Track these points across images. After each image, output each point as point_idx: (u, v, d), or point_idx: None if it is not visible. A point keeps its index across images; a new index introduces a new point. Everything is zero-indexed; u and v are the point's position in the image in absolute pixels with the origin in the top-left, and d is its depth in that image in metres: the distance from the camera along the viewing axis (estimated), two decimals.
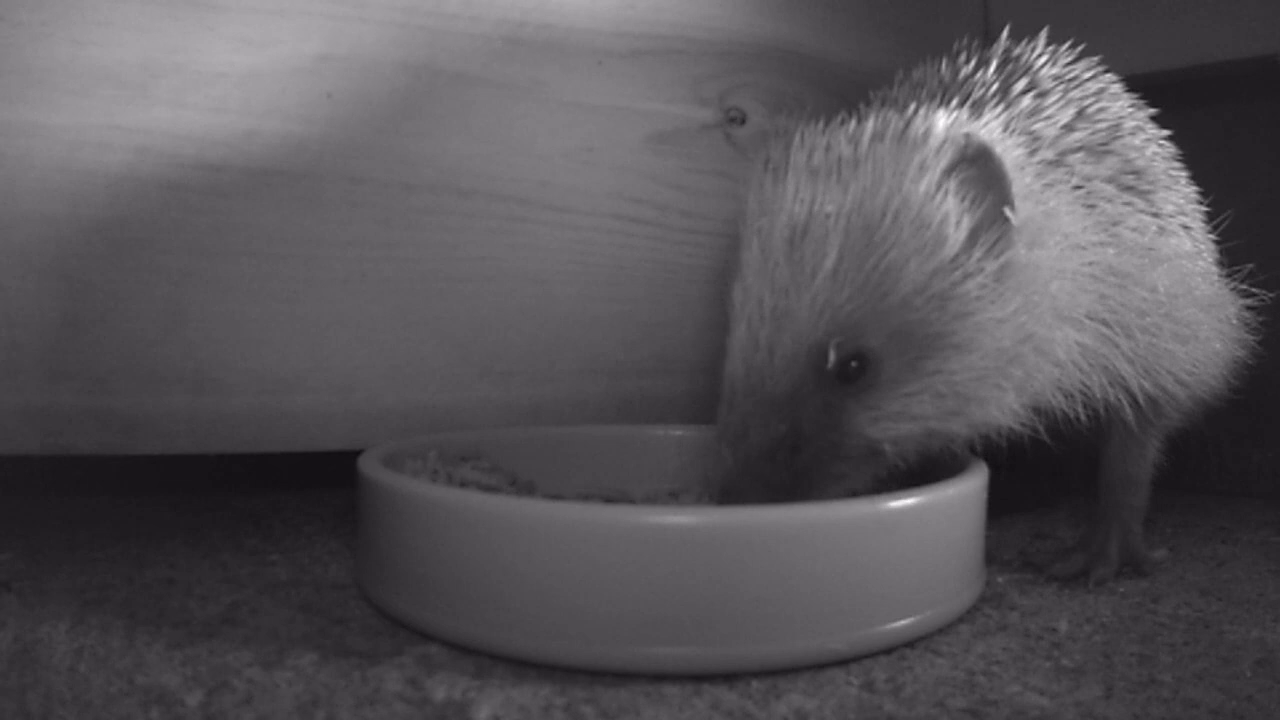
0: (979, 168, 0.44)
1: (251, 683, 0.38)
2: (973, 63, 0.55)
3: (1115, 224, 0.49)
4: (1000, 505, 0.50)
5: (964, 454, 0.50)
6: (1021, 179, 0.46)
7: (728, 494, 0.44)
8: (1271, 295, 0.56)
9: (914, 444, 0.46)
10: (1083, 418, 0.49)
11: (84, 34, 0.54)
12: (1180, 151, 0.58)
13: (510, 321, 0.65)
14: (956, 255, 0.44)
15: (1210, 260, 0.56)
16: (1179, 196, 0.55)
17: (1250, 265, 0.56)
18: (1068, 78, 0.54)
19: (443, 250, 0.63)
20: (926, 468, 0.50)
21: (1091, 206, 0.49)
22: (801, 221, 0.44)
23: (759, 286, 0.45)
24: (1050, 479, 0.78)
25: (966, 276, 0.44)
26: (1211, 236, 0.57)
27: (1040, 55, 0.55)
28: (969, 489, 0.46)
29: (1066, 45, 0.57)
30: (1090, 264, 0.48)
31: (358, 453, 0.50)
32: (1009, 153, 0.46)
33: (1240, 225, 0.57)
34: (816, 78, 0.74)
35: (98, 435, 0.55)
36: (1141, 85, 0.59)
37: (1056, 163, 0.49)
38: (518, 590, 0.40)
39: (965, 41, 0.58)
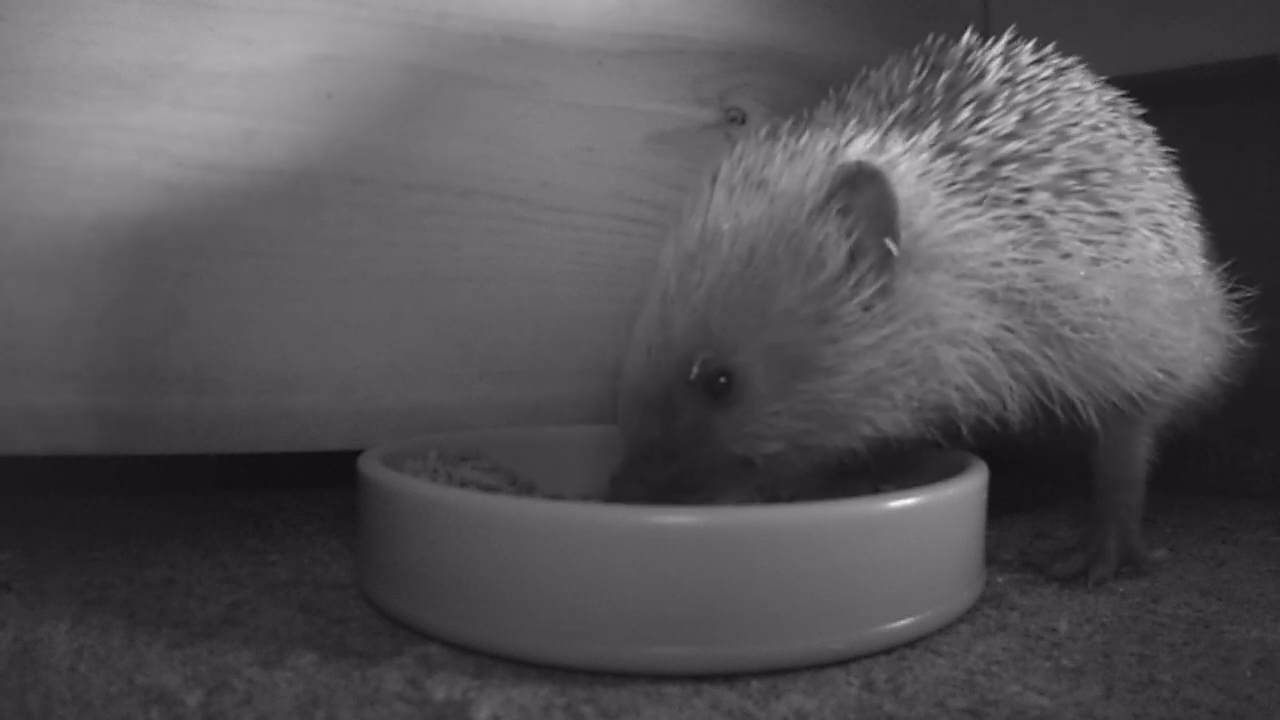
0: (868, 194, 0.44)
1: (251, 683, 0.38)
2: (926, 70, 0.53)
3: (1052, 233, 0.48)
4: (1000, 505, 0.50)
5: (964, 454, 0.50)
6: (928, 201, 0.46)
7: (611, 485, 0.46)
8: (1270, 293, 0.56)
9: (791, 458, 0.46)
10: (1016, 425, 0.49)
11: (84, 34, 0.54)
12: (1180, 151, 0.57)
13: (510, 321, 0.65)
14: (834, 280, 0.44)
15: (1190, 258, 0.54)
16: (1150, 194, 0.52)
17: (1245, 264, 0.56)
18: (1018, 80, 0.52)
19: (443, 250, 0.63)
20: (926, 467, 0.51)
21: (1026, 218, 0.47)
22: (706, 235, 0.46)
23: (655, 292, 0.46)
24: (1049, 479, 0.78)
25: (840, 302, 0.44)
26: (1206, 234, 0.57)
27: (994, 59, 0.53)
28: (969, 489, 0.46)
29: (1031, 44, 0.55)
30: (1005, 281, 0.46)
31: (358, 453, 0.50)
32: (913, 173, 0.46)
33: (1239, 225, 0.57)
34: (816, 78, 0.74)
35: (98, 435, 0.55)
36: (1141, 85, 0.58)
37: (987, 175, 0.48)
38: (518, 590, 0.40)
39: (929, 42, 0.56)
